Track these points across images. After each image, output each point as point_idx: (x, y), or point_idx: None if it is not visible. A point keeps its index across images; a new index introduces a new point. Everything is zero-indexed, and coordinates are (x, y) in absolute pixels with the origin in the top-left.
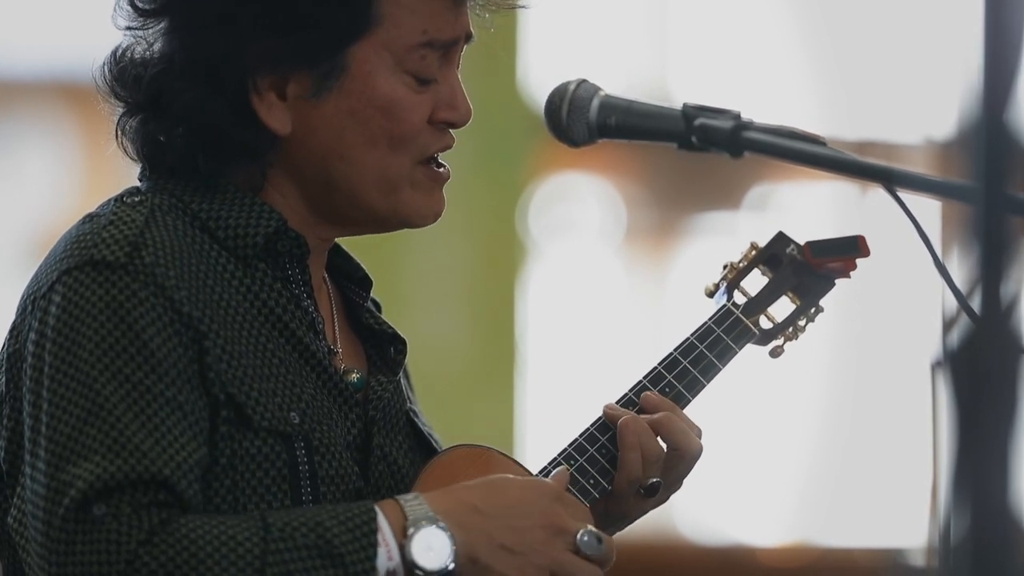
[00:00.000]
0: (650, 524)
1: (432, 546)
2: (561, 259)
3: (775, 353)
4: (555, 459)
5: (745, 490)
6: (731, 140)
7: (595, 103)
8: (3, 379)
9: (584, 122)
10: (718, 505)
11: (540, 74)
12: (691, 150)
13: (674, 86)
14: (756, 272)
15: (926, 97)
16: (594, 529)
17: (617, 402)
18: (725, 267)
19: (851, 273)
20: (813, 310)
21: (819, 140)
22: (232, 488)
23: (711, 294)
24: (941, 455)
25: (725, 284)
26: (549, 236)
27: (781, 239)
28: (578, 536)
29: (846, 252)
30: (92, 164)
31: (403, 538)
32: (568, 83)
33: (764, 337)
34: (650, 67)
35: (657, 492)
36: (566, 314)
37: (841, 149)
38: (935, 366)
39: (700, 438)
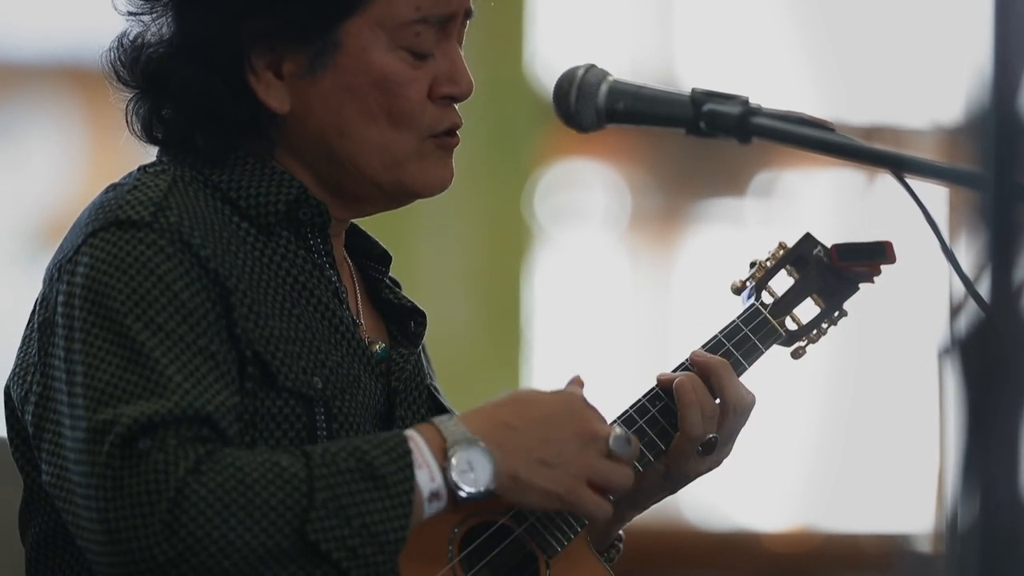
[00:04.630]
0: (655, 510)
1: (474, 467)
2: (567, 245)
3: (797, 354)
4: (612, 423)
5: (750, 475)
6: (739, 126)
7: (603, 88)
8: (34, 348)
9: (592, 107)
10: (723, 490)
11: (547, 59)
12: (699, 136)
13: (681, 71)
14: (782, 272)
15: (934, 81)
16: (620, 430)
17: (643, 396)
18: (753, 265)
19: (875, 278)
20: (836, 313)
21: (827, 126)
22: (251, 445)
23: (738, 291)
24: (948, 441)
25: (753, 283)
26: (555, 222)
27: (808, 240)
28: (610, 440)
29: (873, 257)
30: (97, 148)
31: (444, 460)
32: (576, 68)
33: (789, 338)
34: (657, 52)
35: (714, 449)
36: (572, 299)
37: (848, 134)
38: (943, 352)
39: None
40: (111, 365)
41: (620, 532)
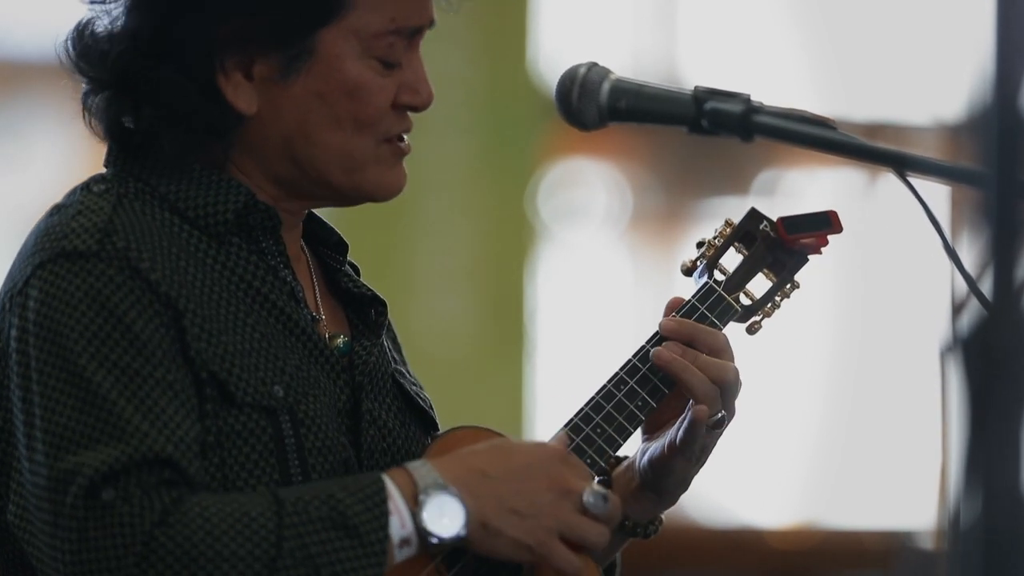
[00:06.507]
0: None
1: (445, 512)
2: (570, 243)
3: (752, 330)
4: (583, 407)
5: (753, 472)
6: (741, 124)
7: (606, 86)
8: None
9: (595, 105)
10: (726, 487)
11: (550, 58)
12: (701, 134)
13: (684, 69)
14: (731, 250)
15: (936, 78)
16: (598, 488)
17: (613, 376)
18: (701, 245)
19: (823, 249)
20: (789, 286)
21: (830, 124)
22: (220, 465)
23: (689, 272)
24: (950, 438)
25: (704, 262)
26: (558, 220)
27: (754, 216)
28: (584, 496)
29: (818, 228)
30: (98, 146)
31: (415, 506)
32: (579, 66)
33: (745, 314)
34: (660, 50)
35: (723, 424)
36: (574, 297)
37: (850, 132)
38: (945, 350)
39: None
40: (68, 408)
41: (661, 516)
